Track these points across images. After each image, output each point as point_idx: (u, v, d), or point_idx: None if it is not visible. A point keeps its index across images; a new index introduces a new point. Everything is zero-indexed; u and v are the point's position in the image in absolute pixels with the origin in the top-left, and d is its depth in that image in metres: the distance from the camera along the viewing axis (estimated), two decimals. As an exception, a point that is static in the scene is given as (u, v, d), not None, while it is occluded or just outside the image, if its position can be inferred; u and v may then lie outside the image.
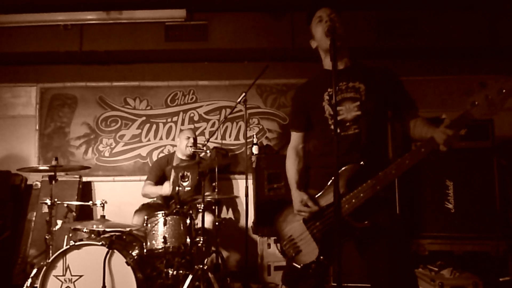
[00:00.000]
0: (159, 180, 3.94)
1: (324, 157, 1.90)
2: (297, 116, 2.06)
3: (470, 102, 1.53)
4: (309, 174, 2.01)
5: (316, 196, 1.87)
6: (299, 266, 1.86)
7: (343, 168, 1.76)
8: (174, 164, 3.89)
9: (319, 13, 1.89)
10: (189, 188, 3.73)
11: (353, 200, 1.73)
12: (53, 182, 3.03)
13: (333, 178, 1.76)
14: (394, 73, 1.91)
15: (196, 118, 4.61)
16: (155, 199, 3.91)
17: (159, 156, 4.40)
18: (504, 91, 1.47)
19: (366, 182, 1.72)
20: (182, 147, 3.94)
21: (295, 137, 2.08)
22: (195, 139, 3.97)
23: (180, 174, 3.81)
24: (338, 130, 1.80)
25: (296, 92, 2.11)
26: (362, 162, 1.75)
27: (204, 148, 3.86)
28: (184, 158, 3.97)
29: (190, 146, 3.87)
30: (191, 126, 4.57)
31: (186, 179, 3.78)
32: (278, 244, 2.01)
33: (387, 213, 1.79)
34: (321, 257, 1.80)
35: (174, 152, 4.13)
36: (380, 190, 1.70)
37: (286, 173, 2.05)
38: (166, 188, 3.71)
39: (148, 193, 3.86)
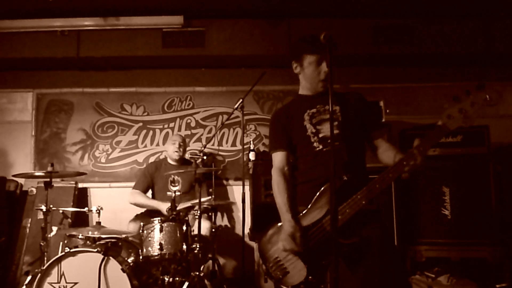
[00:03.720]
0: (147, 187, 3.93)
1: (309, 172, 1.96)
2: (279, 137, 2.08)
3: (446, 115, 1.64)
4: (296, 191, 2.02)
5: (303, 213, 1.88)
6: None
7: (326, 185, 1.79)
8: (165, 169, 3.88)
9: (322, 57, 1.93)
10: (179, 193, 3.69)
11: (339, 217, 1.72)
12: (49, 188, 3.01)
13: (317, 194, 1.83)
14: (363, 97, 2.09)
15: (193, 124, 4.60)
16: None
17: (149, 163, 4.34)
18: (475, 104, 1.60)
19: (351, 197, 1.75)
20: (169, 152, 3.98)
21: (279, 157, 2.05)
22: (180, 144, 3.95)
23: (170, 179, 3.80)
24: (321, 146, 1.94)
25: (274, 116, 2.20)
26: (345, 177, 1.77)
27: (201, 154, 3.85)
28: (173, 163, 3.97)
29: (176, 152, 3.90)
30: (188, 132, 4.56)
31: (176, 184, 3.77)
32: (264, 266, 1.96)
33: (374, 226, 1.81)
34: (310, 277, 1.79)
35: (164, 158, 4.14)
36: (366, 204, 1.73)
37: (274, 197, 1.99)
38: (163, 207, 3.55)
39: (141, 203, 3.77)
